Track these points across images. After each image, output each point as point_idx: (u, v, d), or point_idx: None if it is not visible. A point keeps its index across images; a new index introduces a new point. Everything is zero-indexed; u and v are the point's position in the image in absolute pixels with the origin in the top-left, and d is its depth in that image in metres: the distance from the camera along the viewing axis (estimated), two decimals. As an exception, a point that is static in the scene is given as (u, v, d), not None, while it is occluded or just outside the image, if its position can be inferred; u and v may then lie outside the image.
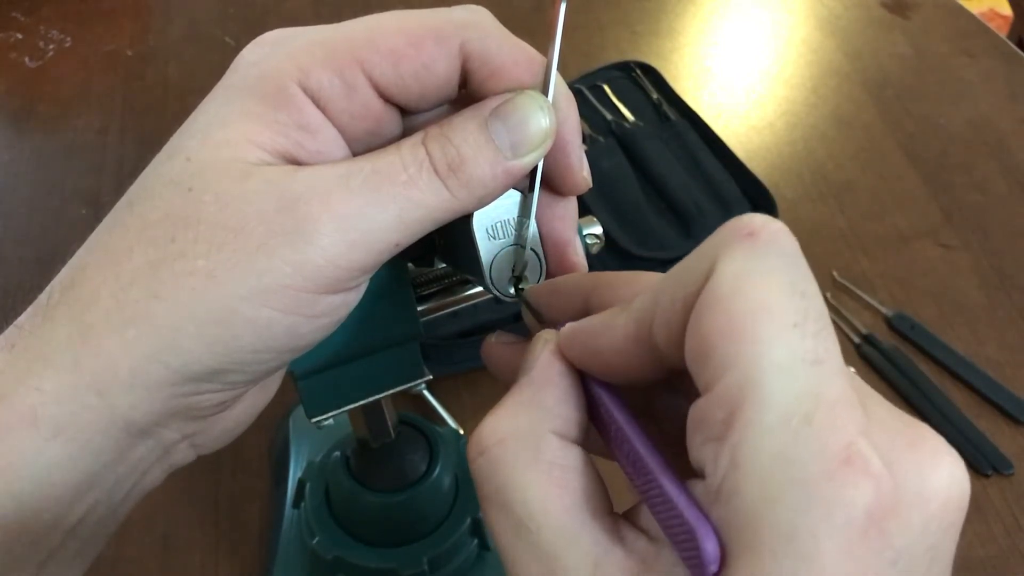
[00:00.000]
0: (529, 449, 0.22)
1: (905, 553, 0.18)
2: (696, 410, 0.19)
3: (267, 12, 0.95)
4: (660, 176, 0.75)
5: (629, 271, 0.26)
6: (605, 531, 0.21)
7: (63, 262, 0.27)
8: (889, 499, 0.17)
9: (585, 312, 0.26)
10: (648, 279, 0.25)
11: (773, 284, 0.19)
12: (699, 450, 0.19)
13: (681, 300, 0.20)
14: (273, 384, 0.31)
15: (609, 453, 0.24)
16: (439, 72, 0.26)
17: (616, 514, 0.22)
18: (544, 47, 0.26)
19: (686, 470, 0.21)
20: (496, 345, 0.29)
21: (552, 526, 0.21)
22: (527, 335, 0.29)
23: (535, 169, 0.28)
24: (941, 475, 0.18)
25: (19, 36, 0.92)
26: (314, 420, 0.33)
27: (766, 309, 0.18)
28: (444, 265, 0.34)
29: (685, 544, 0.19)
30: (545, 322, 0.27)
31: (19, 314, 0.26)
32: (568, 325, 0.24)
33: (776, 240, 0.19)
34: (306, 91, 0.26)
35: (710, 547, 0.18)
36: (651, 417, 0.26)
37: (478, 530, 0.46)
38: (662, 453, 0.21)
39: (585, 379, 0.24)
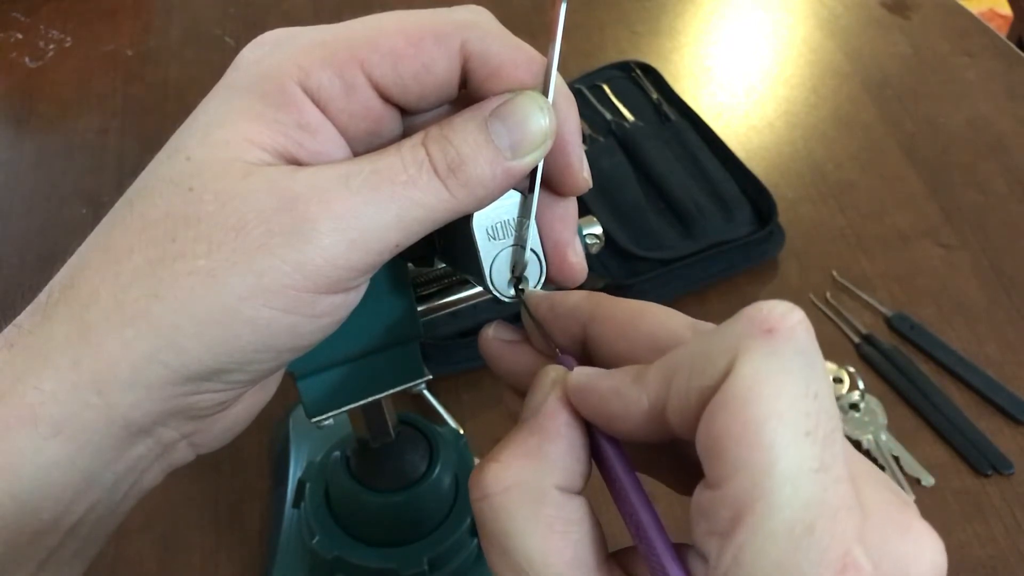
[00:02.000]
0: (532, 502, 0.23)
1: None
2: (703, 500, 0.20)
3: (267, 12, 0.95)
4: (660, 176, 0.75)
5: (629, 301, 0.26)
6: None
7: (63, 262, 0.27)
8: None
9: (583, 338, 0.26)
10: (651, 320, 0.25)
11: (788, 388, 0.19)
12: (703, 539, 0.20)
13: (697, 392, 0.21)
14: (272, 384, 0.31)
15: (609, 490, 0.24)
16: (439, 72, 0.26)
17: (612, 562, 0.23)
18: (544, 47, 0.26)
19: (679, 489, 0.21)
20: (495, 342, 0.29)
21: None
22: (525, 330, 0.29)
23: (535, 169, 0.28)
24: (924, 563, 0.20)
25: (19, 36, 0.92)
26: (314, 420, 0.33)
27: (779, 417, 0.19)
28: (444, 265, 0.34)
29: None
30: (543, 329, 0.27)
31: (19, 314, 0.26)
32: (578, 372, 0.24)
33: (794, 337, 0.20)
34: (306, 91, 0.26)
35: None
36: (647, 447, 0.26)
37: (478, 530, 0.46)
38: (662, 527, 0.22)
39: (591, 427, 0.24)
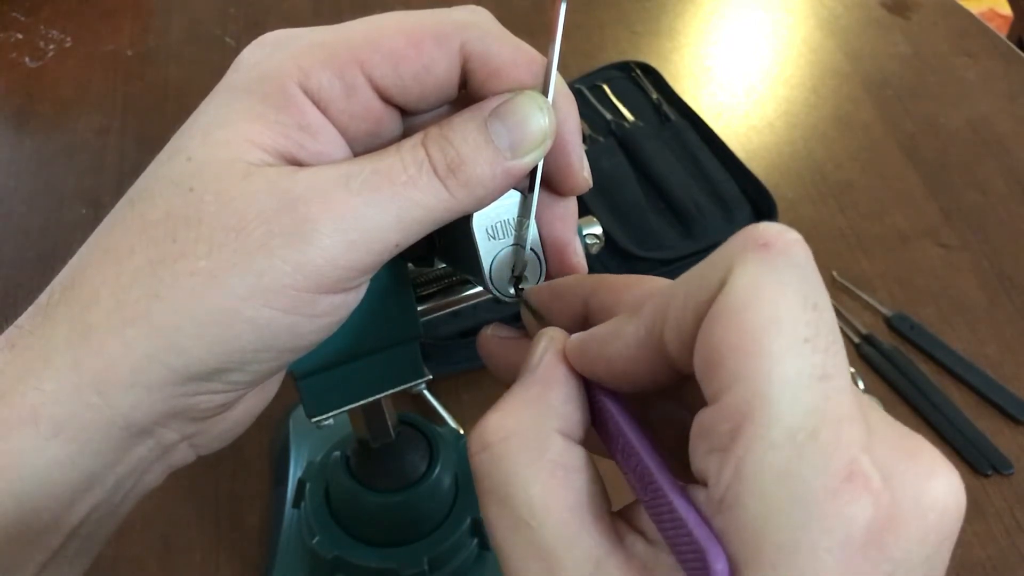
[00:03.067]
0: (533, 447, 0.22)
1: (903, 564, 0.18)
2: (702, 419, 0.20)
3: (267, 12, 0.95)
4: (660, 176, 0.75)
5: (629, 275, 0.26)
6: (606, 532, 0.21)
7: (63, 262, 0.27)
8: (888, 513, 0.18)
9: (585, 315, 0.26)
10: (650, 284, 0.25)
11: (785, 297, 0.19)
12: (703, 459, 0.19)
13: (693, 308, 0.20)
14: (273, 386, 0.31)
15: (609, 455, 0.24)
16: (439, 73, 0.26)
17: (615, 515, 0.22)
18: (544, 47, 0.26)
19: (683, 476, 0.21)
20: (493, 339, 0.29)
21: (554, 524, 0.21)
22: (525, 330, 0.29)
23: (535, 169, 0.28)
24: (938, 487, 0.19)
25: (19, 36, 0.92)
26: (314, 420, 0.33)
27: (777, 323, 0.19)
28: (444, 265, 0.34)
29: (691, 560, 0.19)
30: (543, 323, 0.27)
31: (19, 314, 0.26)
32: (575, 335, 0.24)
33: (790, 251, 0.19)
34: (307, 92, 0.26)
35: (720, 568, 0.18)
36: (647, 423, 0.26)
37: (478, 530, 0.46)
38: (669, 468, 0.21)
39: (590, 387, 0.24)
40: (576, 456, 0.22)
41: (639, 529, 0.22)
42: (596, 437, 0.24)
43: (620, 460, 0.23)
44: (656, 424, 0.26)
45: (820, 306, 0.19)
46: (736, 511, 0.18)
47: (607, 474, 0.23)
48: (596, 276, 0.27)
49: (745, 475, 0.18)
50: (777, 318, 0.19)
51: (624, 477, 0.23)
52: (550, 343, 0.25)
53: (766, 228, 0.20)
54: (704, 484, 0.19)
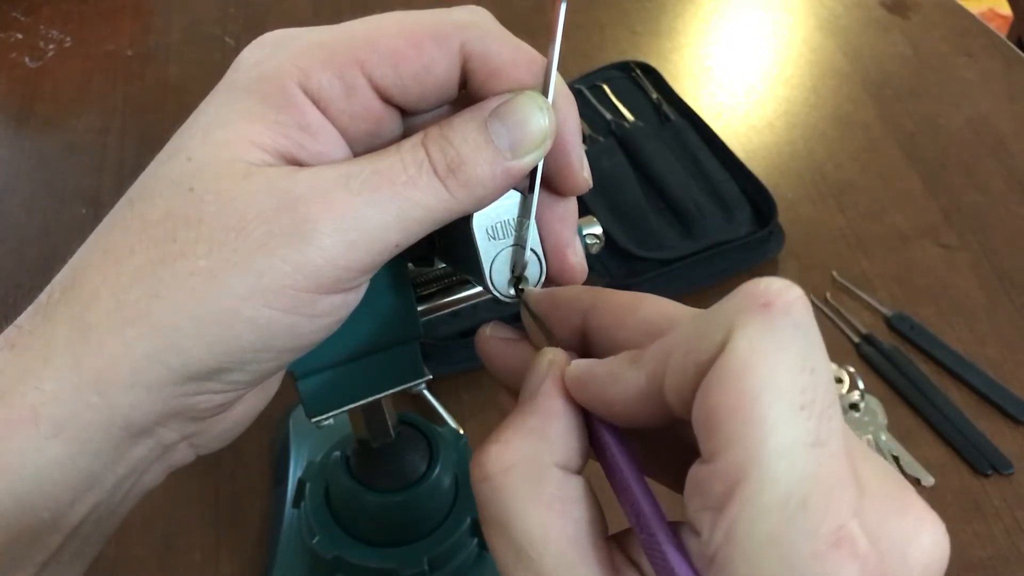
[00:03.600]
0: (532, 481, 0.23)
1: None
2: (697, 474, 0.20)
3: (267, 12, 0.95)
4: (660, 176, 0.75)
5: (630, 292, 0.26)
6: (602, 562, 0.22)
7: (63, 262, 0.27)
8: (876, 574, 0.18)
9: (583, 329, 0.26)
10: (649, 307, 0.25)
11: (784, 362, 0.19)
12: (696, 513, 0.20)
13: (693, 367, 0.20)
14: (272, 385, 0.31)
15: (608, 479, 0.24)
16: (439, 73, 0.26)
17: (612, 542, 0.23)
18: (544, 47, 0.26)
19: (674, 487, 0.21)
20: (492, 340, 0.29)
21: (553, 554, 0.22)
22: (524, 330, 0.29)
23: (535, 169, 0.28)
24: (924, 543, 0.20)
25: (19, 36, 0.92)
26: (314, 420, 0.33)
27: (775, 389, 0.19)
28: (444, 265, 0.34)
29: None
30: (543, 326, 0.27)
31: (19, 314, 0.26)
32: (575, 364, 0.24)
33: (791, 312, 0.20)
34: (306, 92, 0.26)
35: None
36: (644, 443, 0.26)
37: (478, 530, 0.46)
38: (661, 512, 0.22)
39: (589, 415, 0.24)
40: (574, 487, 0.23)
41: (634, 559, 0.23)
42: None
43: (617, 492, 0.23)
44: (654, 445, 0.26)
45: (818, 370, 0.19)
46: (726, 570, 0.19)
47: (604, 490, 0.24)
48: (596, 291, 0.27)
49: (736, 538, 0.19)
50: (775, 384, 0.19)
51: (620, 506, 0.23)
52: (550, 368, 0.25)
53: (768, 286, 0.20)
54: (698, 535, 0.20)
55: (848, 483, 0.19)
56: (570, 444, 0.24)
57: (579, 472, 0.24)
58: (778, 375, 0.19)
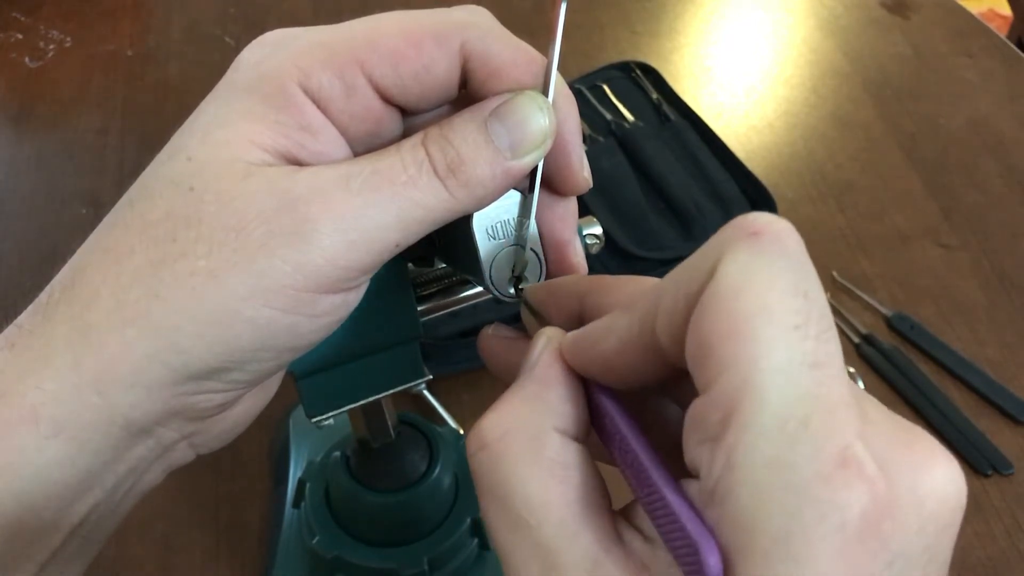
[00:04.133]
0: (531, 445, 0.22)
1: (901, 555, 0.18)
2: (693, 410, 0.19)
3: (267, 12, 0.95)
4: (660, 176, 0.75)
5: (625, 276, 0.26)
6: (605, 529, 0.21)
7: (63, 262, 0.27)
8: (884, 501, 0.17)
9: (581, 315, 0.26)
10: (644, 283, 0.25)
11: (775, 284, 0.19)
12: (695, 450, 0.19)
13: (683, 298, 0.20)
14: (272, 385, 0.31)
15: (610, 458, 0.24)
16: (439, 73, 0.26)
17: (615, 512, 0.22)
18: (544, 47, 0.26)
19: (679, 472, 0.21)
20: (494, 339, 0.29)
21: (553, 522, 0.21)
22: (525, 330, 0.29)
23: (535, 169, 0.28)
24: (936, 476, 0.18)
25: (19, 36, 0.92)
26: (314, 420, 0.33)
27: (767, 310, 0.18)
28: (444, 265, 0.34)
29: (685, 555, 0.19)
30: (544, 323, 0.27)
31: (19, 314, 0.26)
32: (571, 333, 0.24)
33: (780, 239, 0.19)
34: (307, 92, 0.26)
35: (713, 562, 0.18)
36: (643, 422, 0.26)
37: (478, 530, 0.46)
38: (664, 464, 0.21)
39: (588, 385, 0.24)
40: (574, 453, 0.22)
41: (637, 526, 0.22)
42: (600, 444, 0.24)
43: (617, 458, 0.23)
44: (654, 421, 0.26)
45: (811, 294, 0.19)
46: (728, 501, 0.18)
47: (608, 474, 0.23)
48: (593, 276, 0.27)
49: (736, 465, 0.18)
50: (767, 305, 0.18)
51: (622, 475, 0.22)
52: (547, 342, 0.24)
53: (756, 216, 0.20)
54: (697, 477, 0.19)
55: (851, 405, 0.18)
56: (569, 411, 0.23)
57: (579, 441, 0.23)
58: (770, 296, 0.18)
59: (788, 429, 0.17)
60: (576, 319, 0.26)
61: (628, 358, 0.22)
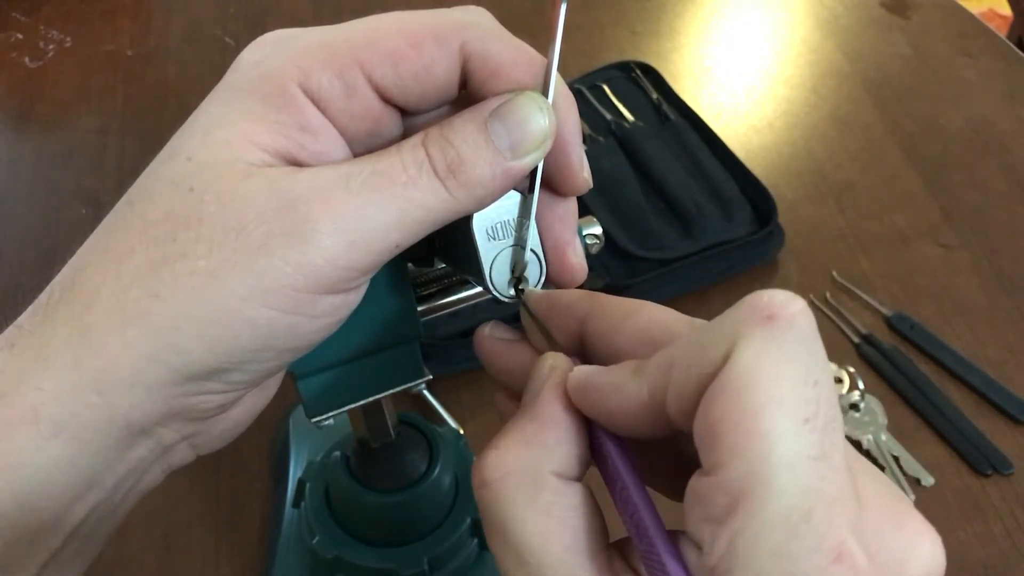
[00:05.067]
0: (529, 488, 0.23)
1: None
2: (698, 487, 0.20)
3: (267, 12, 0.95)
4: (660, 176, 0.75)
5: (627, 300, 0.26)
6: (601, 570, 0.22)
7: (63, 262, 0.27)
8: None
9: (580, 334, 0.26)
10: (648, 314, 0.25)
11: (788, 375, 0.19)
12: (697, 525, 0.20)
13: (696, 379, 0.20)
14: (272, 386, 0.31)
15: (608, 489, 0.24)
16: (439, 73, 0.26)
17: (612, 549, 0.23)
18: (544, 47, 0.26)
19: (672, 495, 0.22)
20: (491, 340, 0.29)
21: (551, 563, 0.22)
22: (524, 330, 0.29)
23: (535, 170, 0.28)
24: (921, 554, 0.20)
25: (19, 36, 0.92)
26: (314, 420, 0.33)
27: (779, 403, 0.19)
28: (444, 265, 0.34)
29: None
30: (542, 327, 0.27)
31: (19, 314, 0.26)
32: (577, 371, 0.24)
33: (794, 324, 0.20)
34: (306, 92, 0.26)
35: None
36: (644, 452, 0.26)
37: (478, 530, 0.46)
38: (663, 526, 0.22)
39: (591, 424, 0.24)
40: (573, 494, 0.23)
41: (634, 568, 0.23)
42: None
43: (618, 503, 0.23)
44: (653, 456, 0.26)
45: (821, 383, 0.19)
46: None
47: (604, 496, 0.24)
48: (593, 297, 0.27)
49: (739, 551, 0.19)
50: (779, 397, 0.19)
51: (620, 517, 0.23)
52: (551, 374, 0.25)
53: (771, 298, 0.20)
54: (697, 546, 0.20)
55: (849, 497, 0.19)
56: (569, 451, 0.24)
57: (579, 479, 0.24)
58: (782, 388, 0.19)
59: (792, 521, 0.18)
60: (576, 338, 0.27)
61: (635, 418, 0.23)
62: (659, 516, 0.22)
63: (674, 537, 0.21)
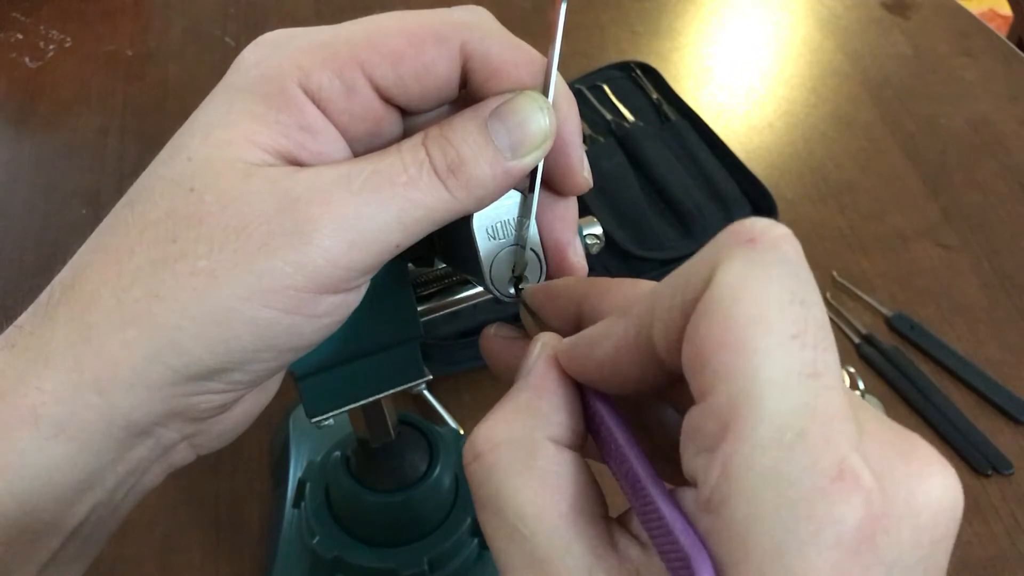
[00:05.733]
0: (524, 455, 0.22)
1: (896, 566, 0.17)
2: (690, 418, 0.19)
3: (267, 12, 0.95)
4: (660, 176, 0.75)
5: (623, 279, 0.26)
6: (599, 537, 0.21)
7: (63, 262, 0.27)
8: (879, 513, 0.17)
9: (579, 318, 0.26)
10: (642, 286, 0.25)
11: (772, 293, 0.18)
12: (691, 460, 0.19)
13: (680, 306, 0.20)
14: (273, 386, 0.31)
15: (604, 462, 0.24)
16: (439, 73, 0.26)
17: (610, 519, 0.22)
18: (544, 47, 0.26)
19: (677, 478, 0.21)
20: (495, 339, 0.29)
21: (546, 532, 0.21)
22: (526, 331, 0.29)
23: (535, 169, 0.28)
24: (932, 486, 0.18)
25: (19, 36, 0.92)
26: (314, 420, 0.33)
27: (764, 319, 0.18)
28: (444, 265, 0.34)
29: (678, 567, 0.19)
30: (543, 324, 0.27)
31: (19, 314, 0.26)
32: (567, 339, 0.24)
33: (777, 246, 0.19)
34: (307, 92, 0.26)
35: (705, 575, 0.18)
36: (641, 428, 0.26)
37: (478, 530, 0.46)
38: (658, 476, 0.21)
39: (584, 392, 0.24)
40: (568, 461, 0.22)
41: (633, 534, 0.22)
42: (595, 446, 0.24)
43: (612, 465, 0.23)
44: (651, 428, 0.26)
45: (808, 302, 0.19)
46: (723, 513, 0.18)
47: (607, 480, 0.23)
48: (590, 279, 0.27)
49: (732, 476, 0.18)
50: (764, 314, 0.18)
51: (617, 483, 0.22)
52: (543, 349, 0.24)
53: (753, 223, 0.19)
54: (695, 485, 0.19)
55: (848, 416, 0.18)
56: (563, 419, 0.23)
57: (574, 449, 0.23)
58: (767, 305, 0.18)
59: (785, 441, 0.17)
60: (574, 322, 0.26)
61: (624, 364, 0.22)
62: (652, 467, 0.21)
63: (672, 492, 0.20)
